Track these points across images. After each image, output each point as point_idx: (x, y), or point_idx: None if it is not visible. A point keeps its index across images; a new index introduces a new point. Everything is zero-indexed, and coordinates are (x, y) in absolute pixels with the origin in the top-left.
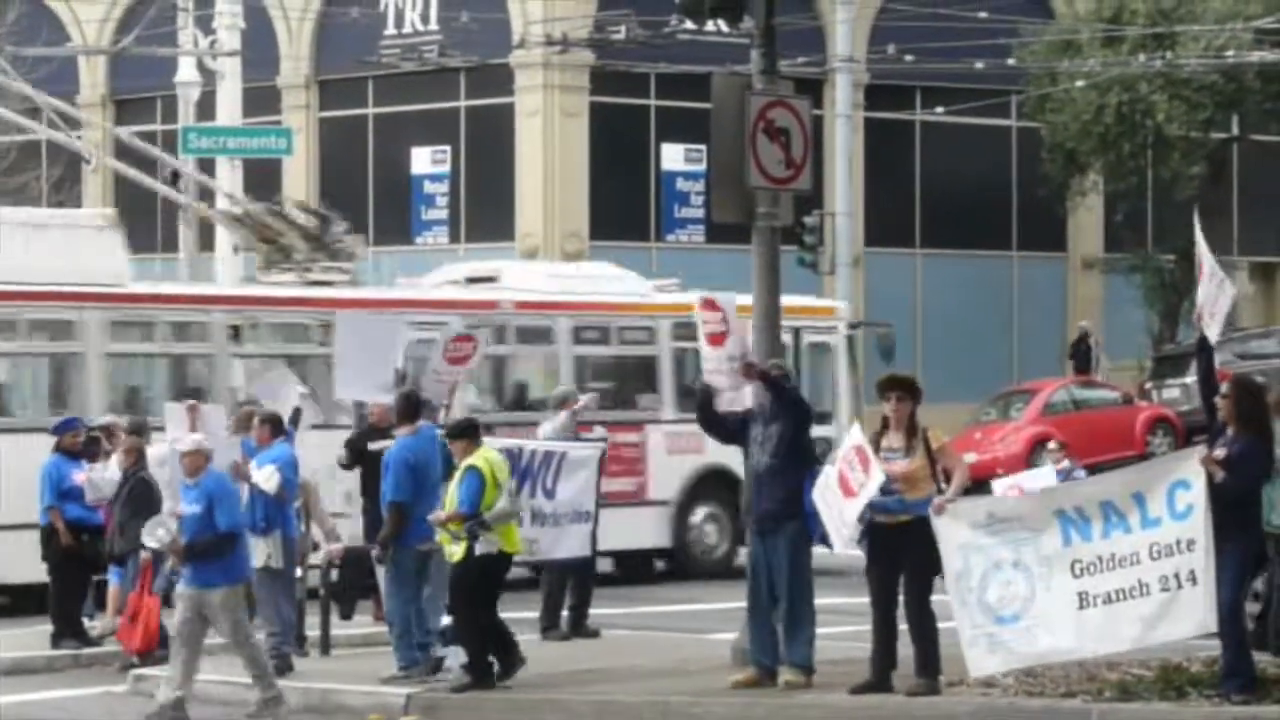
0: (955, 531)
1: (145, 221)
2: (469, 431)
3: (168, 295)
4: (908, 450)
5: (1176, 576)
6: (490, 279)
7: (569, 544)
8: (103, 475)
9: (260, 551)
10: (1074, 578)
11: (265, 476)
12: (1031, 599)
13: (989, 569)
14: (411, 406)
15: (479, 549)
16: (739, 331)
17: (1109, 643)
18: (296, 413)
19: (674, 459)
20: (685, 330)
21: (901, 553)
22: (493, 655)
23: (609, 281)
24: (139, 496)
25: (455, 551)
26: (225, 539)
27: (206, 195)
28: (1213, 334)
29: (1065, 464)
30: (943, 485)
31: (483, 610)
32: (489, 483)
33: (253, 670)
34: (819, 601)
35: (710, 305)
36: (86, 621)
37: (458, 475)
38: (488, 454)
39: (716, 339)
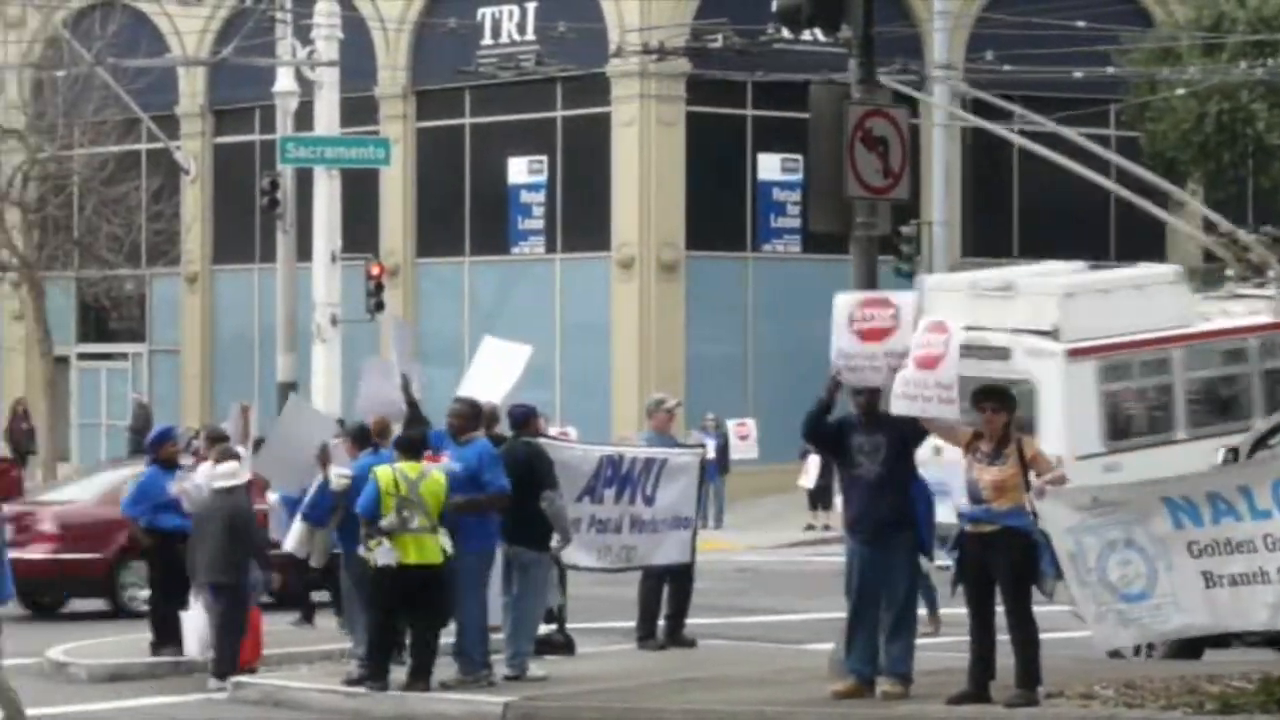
0: (1061, 515)
1: (242, 233)
2: (403, 445)
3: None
4: (998, 458)
5: None
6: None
7: (667, 550)
8: (196, 484)
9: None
10: (1194, 558)
11: (335, 475)
12: (1154, 578)
13: (1103, 549)
14: (479, 415)
15: (379, 560)
16: (906, 330)
17: (1242, 619)
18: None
19: None
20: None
21: (992, 562)
22: (411, 659)
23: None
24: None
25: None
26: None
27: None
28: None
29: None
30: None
31: (385, 617)
32: (384, 492)
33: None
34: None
35: (882, 303)
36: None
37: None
38: (405, 467)
39: (875, 334)
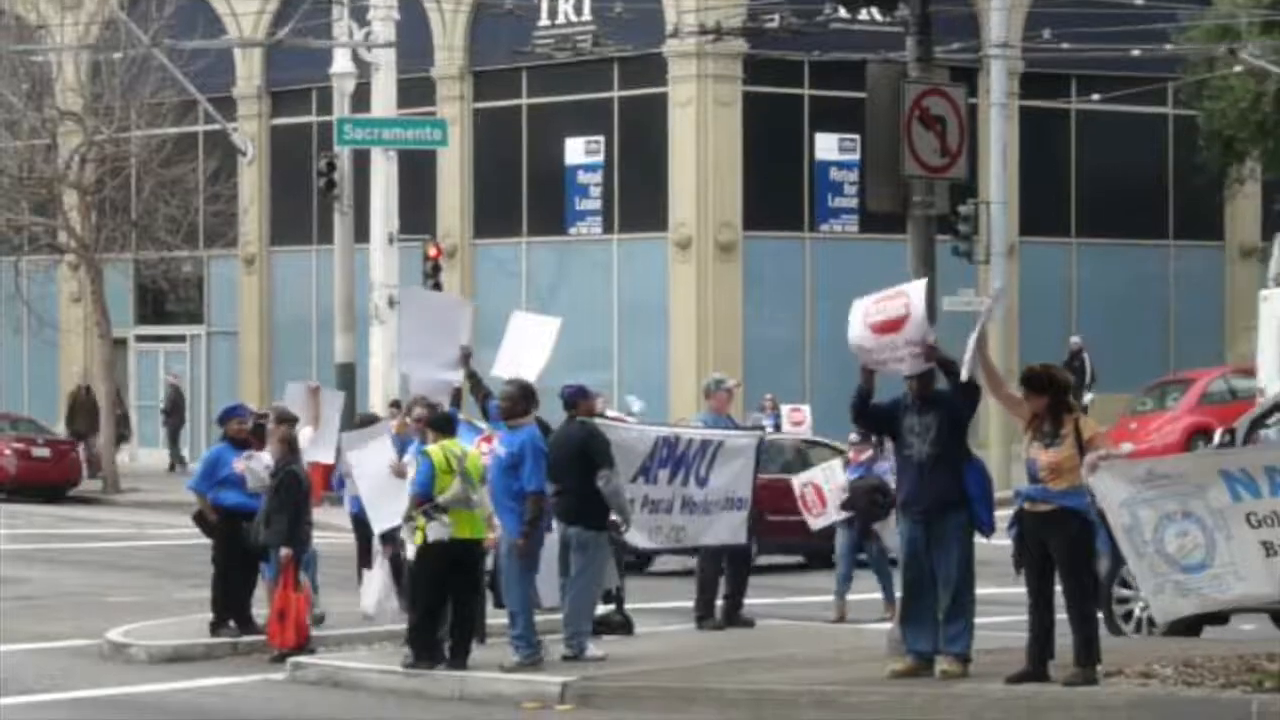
0: (1115, 489)
1: (300, 214)
2: (437, 424)
3: None
4: (1055, 439)
5: None
6: None
7: (718, 530)
8: (262, 462)
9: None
10: (1252, 529)
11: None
12: (1213, 548)
13: (1160, 521)
14: (529, 397)
15: (431, 535)
16: (919, 316)
17: None
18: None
19: None
20: None
21: (1049, 541)
22: (451, 637)
23: None
24: (288, 490)
25: (416, 537)
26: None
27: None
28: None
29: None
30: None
31: (436, 593)
32: (440, 469)
33: None
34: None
35: (892, 295)
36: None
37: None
38: (448, 444)
39: (891, 326)
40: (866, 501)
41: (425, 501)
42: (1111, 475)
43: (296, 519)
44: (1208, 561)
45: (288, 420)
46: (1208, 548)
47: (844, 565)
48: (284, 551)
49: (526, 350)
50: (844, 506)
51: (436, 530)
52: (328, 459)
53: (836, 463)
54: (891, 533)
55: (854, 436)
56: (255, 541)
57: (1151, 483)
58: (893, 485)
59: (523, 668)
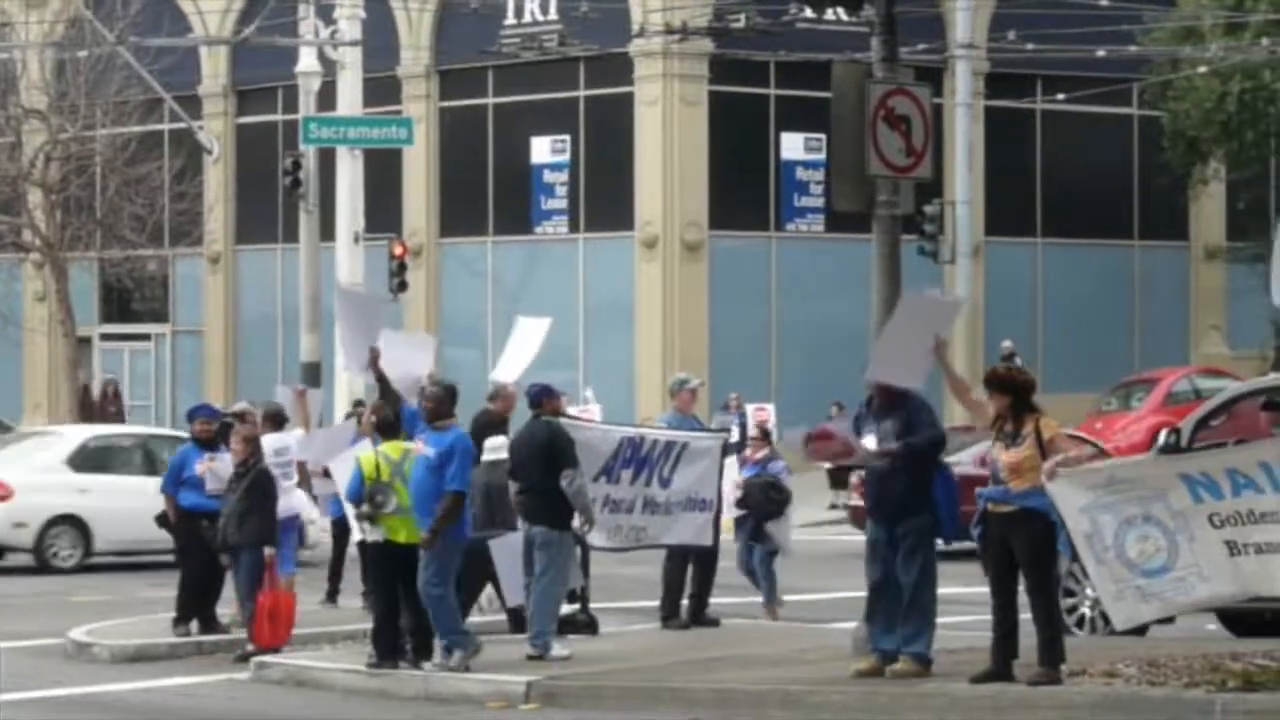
0: (1073, 495)
1: (265, 213)
2: (381, 426)
3: None
4: (1016, 439)
5: None
6: None
7: (679, 531)
8: (225, 464)
9: None
10: (1215, 528)
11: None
12: (1175, 551)
13: (1120, 525)
14: (454, 399)
15: (367, 538)
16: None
17: (1270, 585)
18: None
19: None
20: None
21: (1012, 542)
22: (411, 638)
23: None
24: (260, 489)
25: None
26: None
27: None
28: None
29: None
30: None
31: (388, 593)
32: (368, 476)
33: None
34: (939, 591)
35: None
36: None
37: None
38: (389, 447)
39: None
40: (761, 499)
41: (356, 506)
42: (1070, 482)
43: (273, 518)
44: (1170, 565)
45: (276, 417)
46: (1169, 551)
47: (745, 565)
48: (267, 551)
49: (523, 353)
50: (739, 504)
51: (373, 532)
52: (324, 460)
53: (732, 460)
54: (784, 531)
55: (753, 433)
56: (220, 542)
57: (1111, 488)
58: (786, 483)
59: (466, 660)
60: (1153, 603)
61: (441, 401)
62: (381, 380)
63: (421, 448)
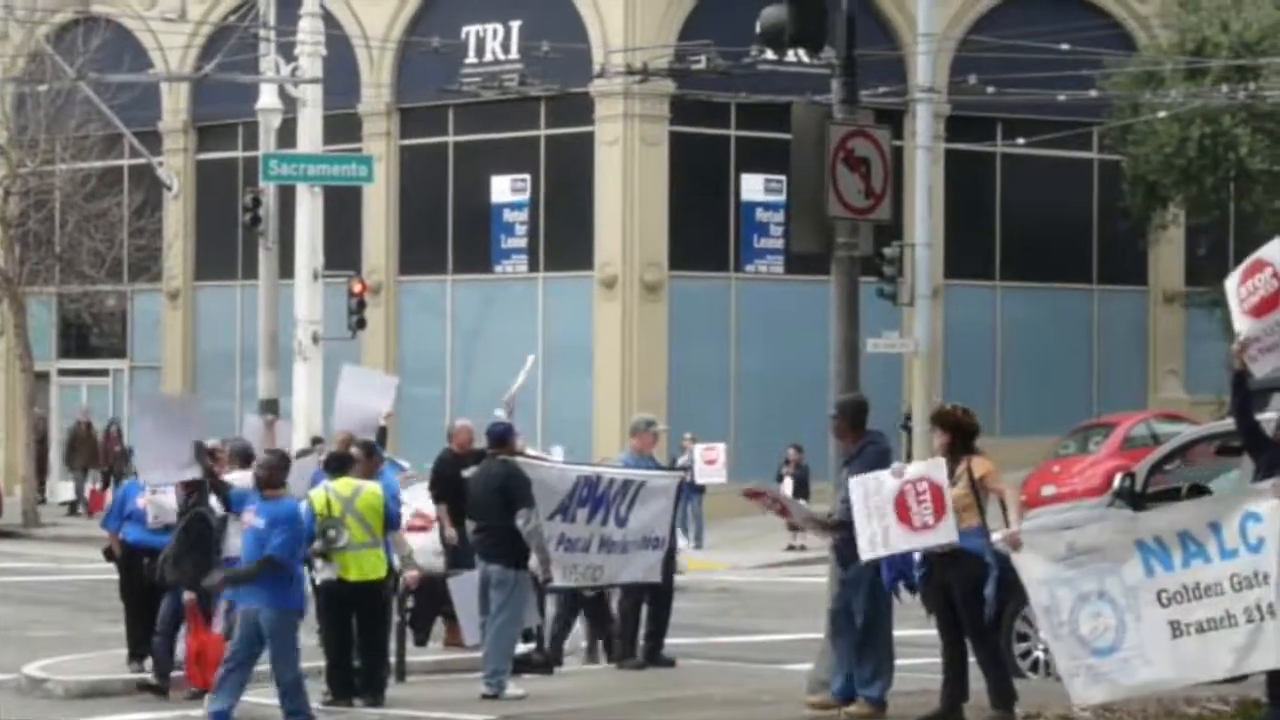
0: (1036, 566)
1: (225, 249)
2: (329, 464)
3: None
4: (951, 478)
5: (1259, 608)
6: None
7: (633, 570)
8: (167, 498)
9: None
10: (1162, 607)
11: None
12: (1122, 630)
13: (1076, 602)
14: (286, 468)
15: (319, 577)
16: None
17: (1208, 670)
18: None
19: None
20: None
21: (950, 582)
22: (359, 676)
23: None
24: (195, 533)
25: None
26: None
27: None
28: (1265, 367)
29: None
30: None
31: (340, 631)
32: (319, 513)
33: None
34: (896, 633)
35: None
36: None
37: None
38: (339, 484)
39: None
40: None
41: (308, 543)
42: (1033, 553)
43: (207, 562)
44: (1117, 644)
45: (244, 454)
46: (1117, 629)
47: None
48: (186, 596)
49: (365, 406)
50: None
51: (324, 571)
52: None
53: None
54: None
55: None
56: (158, 580)
57: (1071, 559)
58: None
59: None
60: (1102, 684)
61: (274, 470)
62: (210, 474)
63: (251, 519)
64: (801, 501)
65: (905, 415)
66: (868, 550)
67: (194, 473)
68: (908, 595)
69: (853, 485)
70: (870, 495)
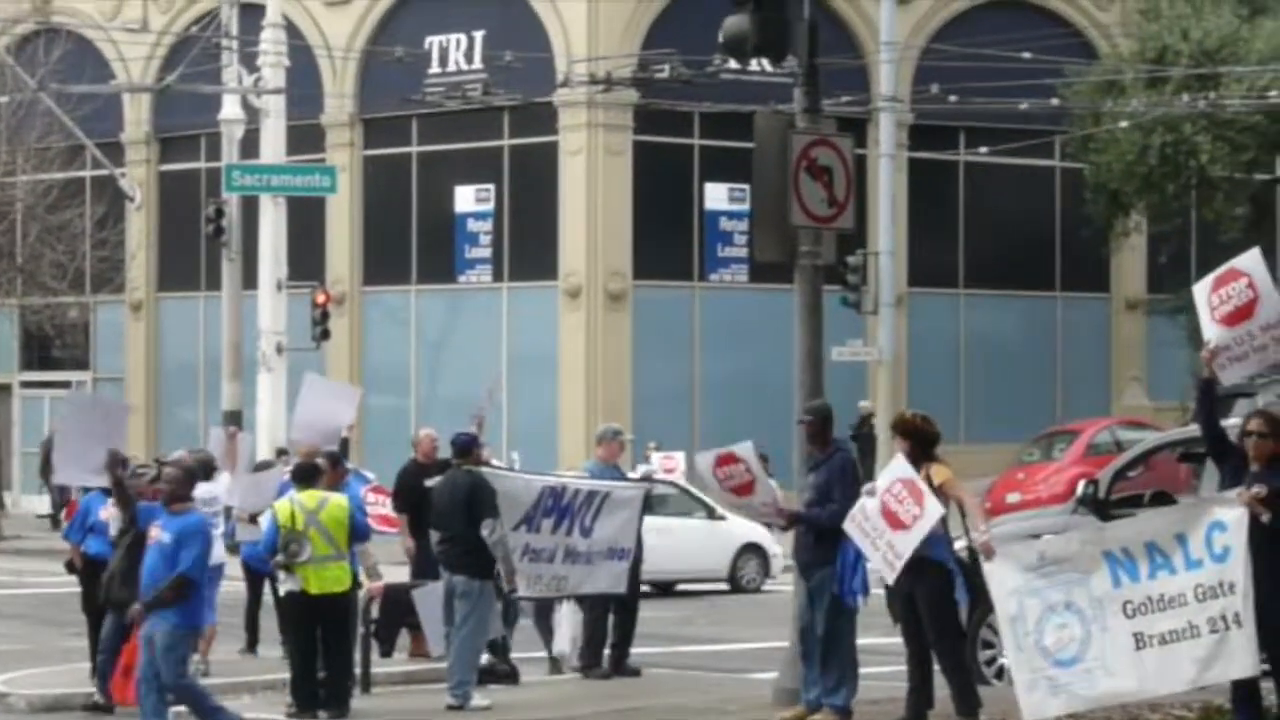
0: (1007, 576)
1: (188, 260)
2: (296, 474)
3: None
4: None
5: (1223, 618)
6: None
7: (597, 580)
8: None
9: None
10: (1127, 619)
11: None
12: (1087, 641)
13: (1044, 612)
14: (193, 481)
15: (282, 589)
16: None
17: (1168, 682)
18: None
19: None
20: None
21: (915, 590)
22: (324, 687)
23: None
24: (139, 549)
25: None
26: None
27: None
28: (1234, 376)
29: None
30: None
31: (304, 643)
32: (283, 525)
33: None
34: (862, 641)
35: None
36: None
37: None
38: (305, 496)
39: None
40: None
41: (271, 556)
42: (1005, 563)
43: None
44: (1080, 655)
45: (208, 465)
46: (1082, 640)
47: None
48: (134, 608)
49: (325, 416)
50: None
51: (287, 583)
52: (251, 506)
53: None
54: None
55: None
56: (103, 598)
57: (1041, 569)
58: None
59: None
60: (1060, 695)
61: (179, 483)
62: (119, 485)
63: (157, 534)
64: (772, 481)
65: (853, 425)
66: (887, 570)
67: (102, 480)
68: (862, 600)
69: (846, 525)
70: (862, 523)
